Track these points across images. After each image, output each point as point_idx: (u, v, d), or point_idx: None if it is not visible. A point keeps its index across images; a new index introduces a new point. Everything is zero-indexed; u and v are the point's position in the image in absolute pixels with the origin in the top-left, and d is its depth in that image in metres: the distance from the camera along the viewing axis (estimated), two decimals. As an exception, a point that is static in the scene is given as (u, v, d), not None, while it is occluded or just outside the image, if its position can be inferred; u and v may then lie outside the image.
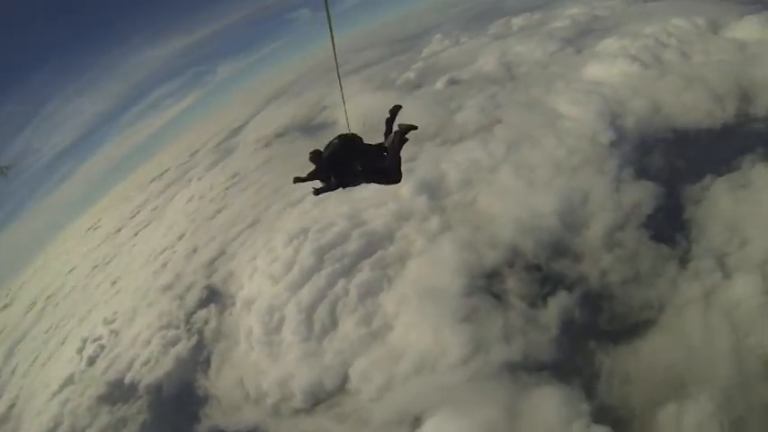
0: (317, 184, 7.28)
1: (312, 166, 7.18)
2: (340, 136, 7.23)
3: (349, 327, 26.69)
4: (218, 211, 52.88)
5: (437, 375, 22.41)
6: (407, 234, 31.79)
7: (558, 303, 24.74)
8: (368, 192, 36.41)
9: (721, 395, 19.17)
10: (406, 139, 6.90)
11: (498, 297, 26.04)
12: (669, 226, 27.92)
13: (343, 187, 7.20)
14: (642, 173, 30.97)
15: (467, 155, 36.42)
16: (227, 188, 58.86)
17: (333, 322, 27.59)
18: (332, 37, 5.44)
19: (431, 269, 28.38)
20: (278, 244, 35.76)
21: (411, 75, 61.48)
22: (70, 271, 70.29)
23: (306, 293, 29.71)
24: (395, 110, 7.32)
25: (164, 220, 63.71)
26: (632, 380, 21.28)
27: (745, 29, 48.81)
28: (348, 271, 29.95)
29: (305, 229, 35.45)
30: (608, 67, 41.70)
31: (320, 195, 7.45)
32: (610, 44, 45.72)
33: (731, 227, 26.91)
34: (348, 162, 7.00)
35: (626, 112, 35.62)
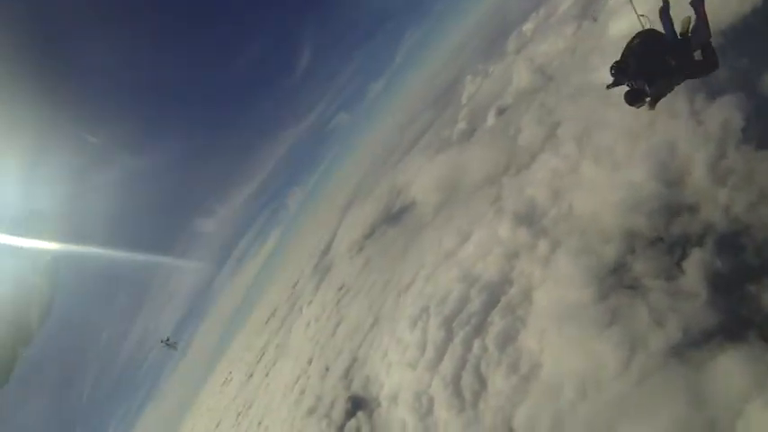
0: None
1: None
2: (639, 33, 6.98)
3: (498, 381, 26.45)
4: (337, 325, 55.48)
5: (605, 392, 21.33)
6: (522, 270, 31.68)
7: (695, 263, 22.73)
8: (470, 248, 37.57)
9: None
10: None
11: (633, 287, 24.41)
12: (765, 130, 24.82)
13: (657, 90, 6.85)
14: (716, 92, 28.54)
15: (544, 169, 36.29)
16: (338, 302, 61.79)
17: (481, 383, 27.54)
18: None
19: (557, 291, 27.84)
20: (404, 332, 37.18)
21: (462, 125, 63.14)
22: (217, 426, 76.08)
23: (447, 367, 30.20)
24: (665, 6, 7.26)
25: (289, 353, 68.18)
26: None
27: None
28: (479, 329, 30.21)
29: (425, 307, 36.67)
30: (628, 16, 40.16)
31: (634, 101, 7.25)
32: (618, -5, 44.39)
33: None
34: (658, 59, 6.64)
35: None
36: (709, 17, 8.20)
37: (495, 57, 73.21)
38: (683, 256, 23.68)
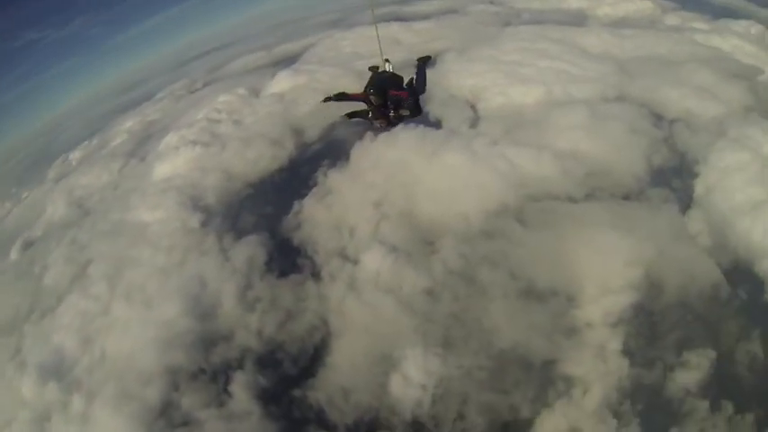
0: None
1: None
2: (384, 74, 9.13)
3: None
4: None
5: None
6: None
7: (241, 385, 24.11)
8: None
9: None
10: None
11: (187, 423, 23.29)
12: (288, 257, 30.59)
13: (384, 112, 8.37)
14: (242, 232, 33.11)
15: (72, 312, 31.24)
16: None
17: None
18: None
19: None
20: None
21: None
22: None
23: None
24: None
25: None
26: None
27: (279, 84, 59.02)
28: None
29: None
30: (173, 161, 43.00)
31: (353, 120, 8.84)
32: (169, 140, 47.38)
33: (336, 226, 31.56)
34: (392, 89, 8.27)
35: (204, 191, 37.53)
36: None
37: (32, 182, 63.67)
38: (228, 382, 24.47)
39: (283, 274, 29.42)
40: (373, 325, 24.99)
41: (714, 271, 24.81)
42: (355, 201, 32.92)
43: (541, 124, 37.61)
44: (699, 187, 30.38)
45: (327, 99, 8.80)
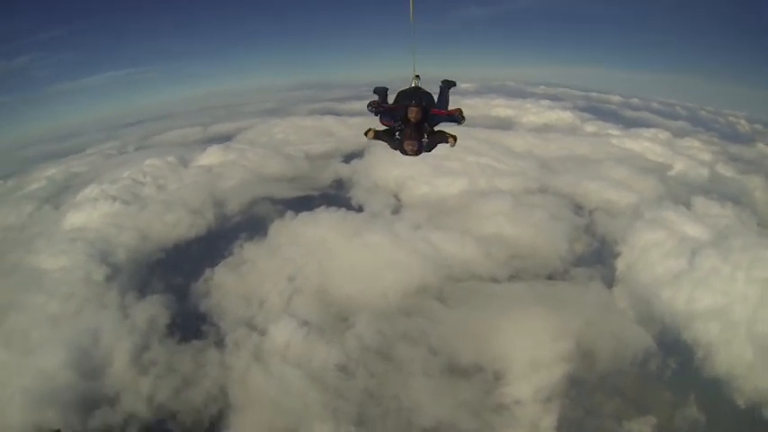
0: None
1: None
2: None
3: None
4: None
5: None
6: None
7: None
8: None
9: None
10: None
11: None
12: (192, 323, 30.11)
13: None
14: (147, 291, 32.48)
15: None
16: None
17: None
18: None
19: None
20: None
21: None
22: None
23: None
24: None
25: None
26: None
27: (209, 157, 60.77)
28: None
29: None
30: (89, 212, 42.37)
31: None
32: (89, 192, 46.66)
33: (246, 296, 31.70)
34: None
35: (115, 247, 36.83)
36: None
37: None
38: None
39: (185, 339, 28.64)
40: (279, 399, 24.29)
41: (645, 337, 26.67)
42: (269, 273, 33.52)
43: (465, 211, 41.05)
44: (621, 265, 33.87)
45: (373, 106, 7.57)
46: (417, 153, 7.48)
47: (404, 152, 7.50)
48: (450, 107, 7.90)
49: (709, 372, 24.77)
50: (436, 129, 7.54)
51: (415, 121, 7.26)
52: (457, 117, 7.38)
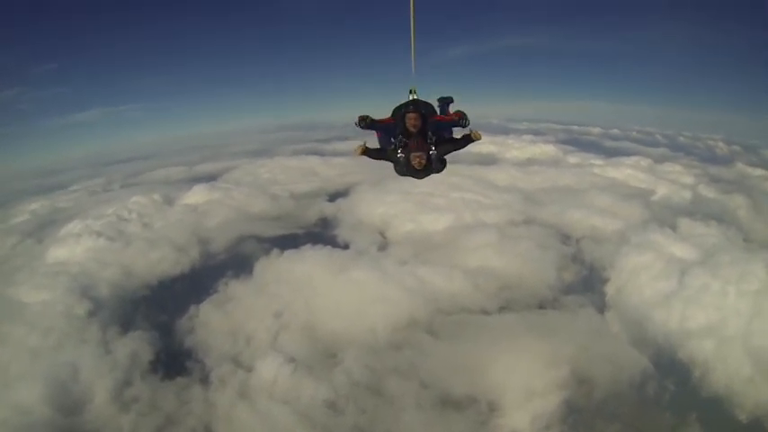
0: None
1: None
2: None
3: None
4: None
5: None
6: None
7: None
8: None
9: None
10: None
11: None
12: (176, 359, 29.64)
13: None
14: (130, 327, 32.02)
15: None
16: None
17: None
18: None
19: None
20: None
21: None
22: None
23: None
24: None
25: None
26: None
27: (195, 195, 61.17)
28: None
29: None
30: (72, 247, 42.18)
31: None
32: (73, 227, 46.56)
33: (231, 333, 31.41)
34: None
35: (98, 282, 36.53)
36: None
37: None
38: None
39: (169, 375, 28.12)
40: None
41: (640, 360, 26.56)
42: (255, 310, 33.40)
43: (451, 246, 41.50)
44: (611, 290, 34.27)
45: (362, 121, 6.53)
46: (426, 170, 6.58)
47: (412, 171, 6.59)
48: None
49: (708, 390, 24.88)
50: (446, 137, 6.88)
51: (414, 129, 6.48)
52: (461, 121, 6.66)
